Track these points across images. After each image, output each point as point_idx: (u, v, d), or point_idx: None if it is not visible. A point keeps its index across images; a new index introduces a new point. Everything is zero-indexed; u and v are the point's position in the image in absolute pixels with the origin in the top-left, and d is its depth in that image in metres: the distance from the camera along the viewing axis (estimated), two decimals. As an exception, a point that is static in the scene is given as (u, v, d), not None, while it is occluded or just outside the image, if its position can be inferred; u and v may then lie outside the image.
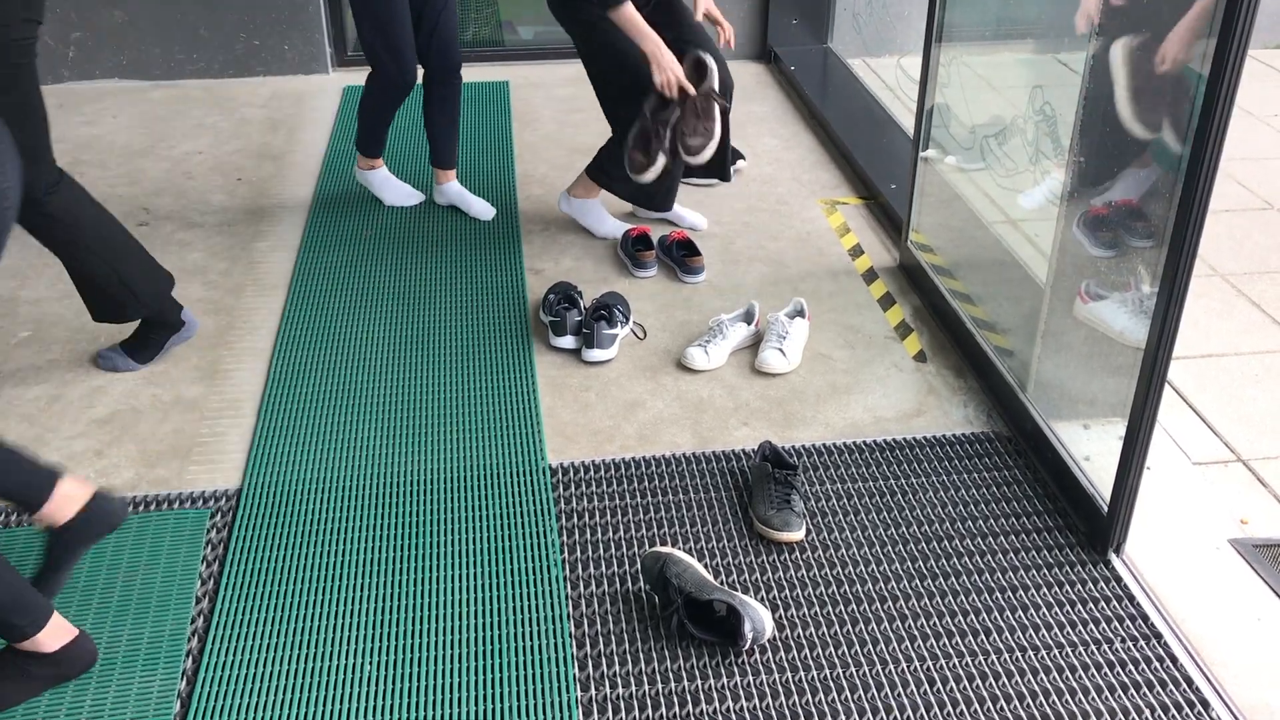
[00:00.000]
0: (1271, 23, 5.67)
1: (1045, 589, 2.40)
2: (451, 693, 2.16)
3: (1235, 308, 3.52)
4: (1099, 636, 2.29)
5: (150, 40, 5.05)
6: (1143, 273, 2.38)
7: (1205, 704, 2.14)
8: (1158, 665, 2.22)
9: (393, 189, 3.95)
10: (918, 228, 3.54)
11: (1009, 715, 2.12)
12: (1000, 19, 3.25)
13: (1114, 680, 2.19)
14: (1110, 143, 2.50)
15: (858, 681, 2.19)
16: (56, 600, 2.33)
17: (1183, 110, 2.15)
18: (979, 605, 2.36)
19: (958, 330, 3.22)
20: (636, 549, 2.50)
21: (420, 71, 3.67)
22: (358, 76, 5.19)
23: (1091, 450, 2.60)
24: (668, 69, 3.26)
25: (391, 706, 2.13)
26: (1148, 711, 2.13)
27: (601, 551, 2.50)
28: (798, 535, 2.50)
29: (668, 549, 2.36)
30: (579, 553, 2.49)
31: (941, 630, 2.30)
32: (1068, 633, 2.29)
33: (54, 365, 3.12)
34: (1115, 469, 2.39)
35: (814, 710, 2.12)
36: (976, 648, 2.26)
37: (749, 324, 3.22)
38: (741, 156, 4.29)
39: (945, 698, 2.15)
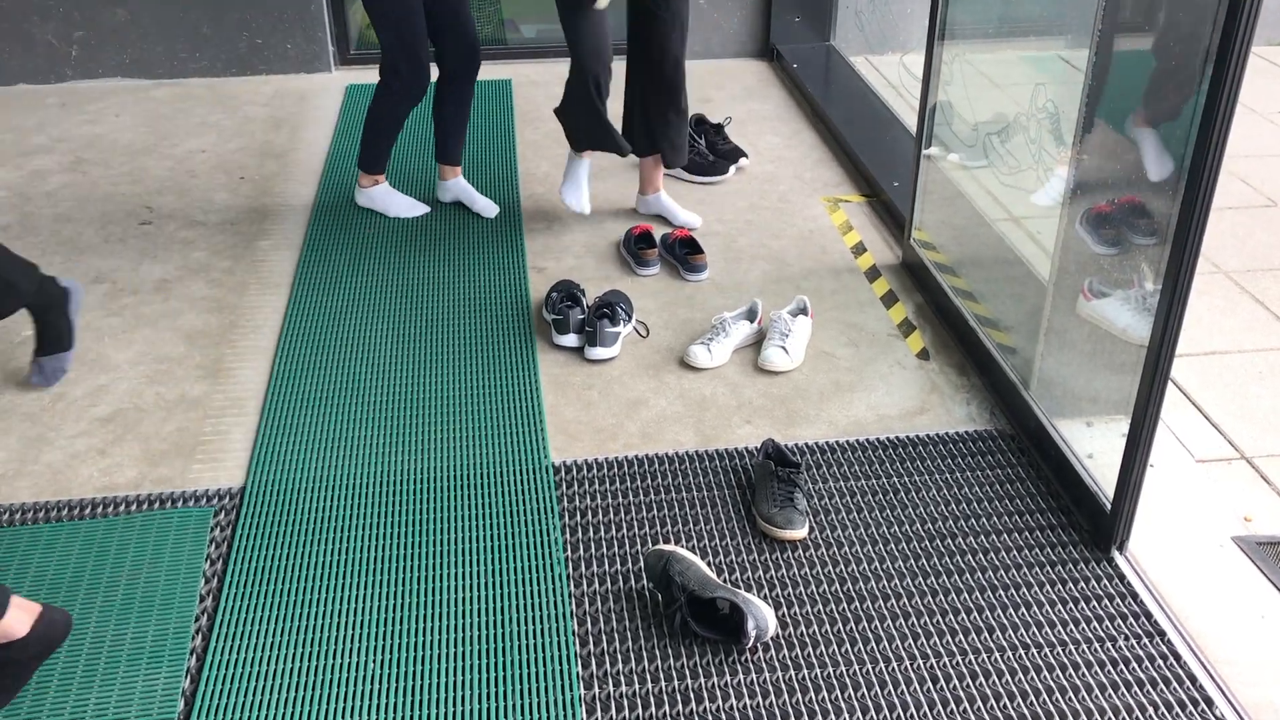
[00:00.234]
0: (1275, 19, 5.66)
1: (1048, 587, 2.40)
2: (455, 690, 2.16)
3: (1238, 305, 3.52)
4: (1102, 634, 2.29)
5: (153, 39, 5.06)
6: (1146, 270, 2.38)
7: (1209, 702, 2.14)
8: (1161, 663, 2.22)
9: (398, 202, 3.93)
10: (920, 225, 3.54)
11: (1012, 713, 2.12)
12: (1003, 16, 3.25)
13: (1117, 678, 2.19)
14: (1113, 140, 2.50)
15: (861, 679, 2.19)
16: (59, 598, 2.34)
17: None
18: (982, 603, 2.36)
19: (960, 328, 3.22)
20: (639, 547, 2.50)
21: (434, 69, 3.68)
22: (360, 75, 5.20)
23: (1094, 448, 2.59)
24: None
25: (395, 704, 2.13)
26: (1151, 709, 2.13)
27: (604, 549, 2.50)
28: (801, 533, 2.50)
29: (671, 547, 2.36)
30: (582, 551, 2.49)
31: (945, 628, 2.30)
32: (1071, 630, 2.29)
33: (57, 364, 3.12)
34: (1118, 467, 2.39)
35: (818, 708, 2.13)
36: (980, 645, 2.26)
37: (752, 322, 3.22)
38: (744, 154, 4.29)
39: (949, 695, 2.15)
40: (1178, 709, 2.13)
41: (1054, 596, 2.37)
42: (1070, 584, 2.41)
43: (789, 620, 2.31)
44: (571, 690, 2.15)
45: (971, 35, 3.22)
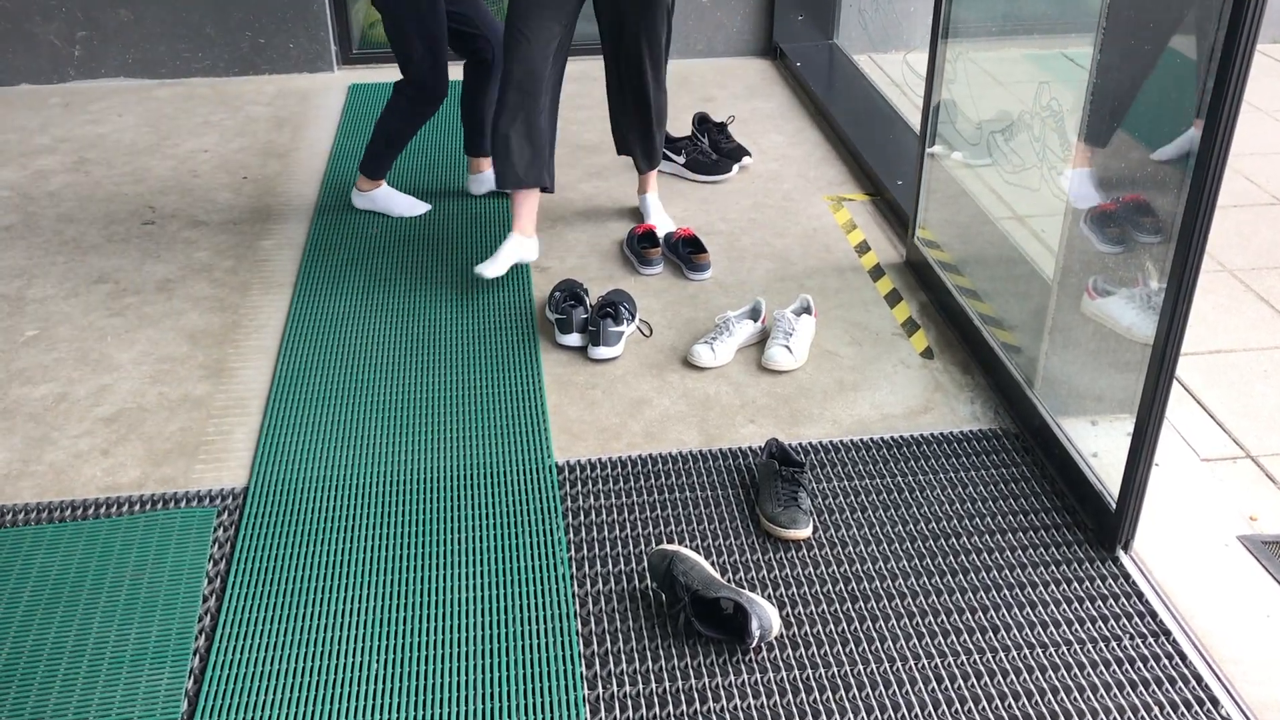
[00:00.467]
0: None
1: (1053, 586, 2.39)
2: (459, 690, 2.15)
3: (1243, 303, 3.51)
4: (1107, 633, 2.28)
5: (156, 39, 5.06)
6: (1150, 268, 2.37)
7: (1215, 701, 2.13)
8: (1166, 662, 2.22)
9: (399, 202, 3.93)
10: (924, 224, 3.54)
11: (1017, 713, 2.11)
12: (1006, 15, 3.24)
13: (1122, 677, 2.19)
14: (1116, 138, 2.49)
15: (865, 679, 2.18)
16: (62, 598, 2.34)
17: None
18: (986, 602, 2.35)
19: (965, 327, 3.21)
20: (643, 546, 2.50)
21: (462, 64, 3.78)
22: (362, 74, 5.20)
23: (1099, 447, 2.59)
24: None
25: (398, 704, 2.13)
26: (1156, 709, 2.12)
27: (608, 549, 2.49)
28: (805, 533, 2.50)
29: (675, 546, 2.36)
30: (585, 550, 2.49)
31: (949, 627, 2.29)
32: (1076, 630, 2.29)
33: (60, 364, 3.13)
34: (1123, 465, 2.38)
35: (822, 708, 2.12)
36: (984, 645, 2.26)
37: (755, 321, 3.21)
38: (747, 153, 4.28)
39: (954, 695, 2.15)
40: (1183, 708, 2.12)
41: (1059, 596, 2.37)
42: (1075, 583, 2.40)
43: (793, 620, 2.31)
44: (575, 690, 2.15)
45: (975, 33, 3.21)
